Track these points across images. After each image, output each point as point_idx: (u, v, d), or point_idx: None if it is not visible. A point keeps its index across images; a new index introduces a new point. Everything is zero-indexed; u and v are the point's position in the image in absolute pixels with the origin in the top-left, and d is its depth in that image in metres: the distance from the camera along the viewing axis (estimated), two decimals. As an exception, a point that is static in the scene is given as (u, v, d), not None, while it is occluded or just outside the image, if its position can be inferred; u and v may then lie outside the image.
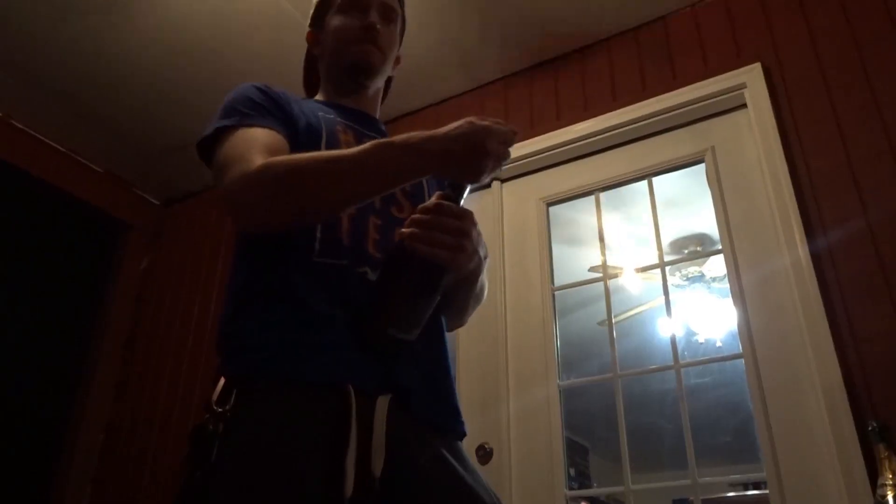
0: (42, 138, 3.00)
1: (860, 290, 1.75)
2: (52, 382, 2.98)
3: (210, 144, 1.05)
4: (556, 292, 2.30)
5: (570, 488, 2.06)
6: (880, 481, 1.50)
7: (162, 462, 2.76)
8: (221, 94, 1.14)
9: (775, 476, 1.74)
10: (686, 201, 2.97)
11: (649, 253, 2.27)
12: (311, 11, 1.34)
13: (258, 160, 0.95)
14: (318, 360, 0.92)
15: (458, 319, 1.22)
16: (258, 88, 1.12)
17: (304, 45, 1.35)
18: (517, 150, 2.41)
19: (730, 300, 2.01)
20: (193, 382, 2.84)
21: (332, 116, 1.17)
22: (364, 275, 1.01)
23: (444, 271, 0.96)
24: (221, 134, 1.04)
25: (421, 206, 1.01)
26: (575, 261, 2.69)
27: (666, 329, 3.33)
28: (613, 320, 2.29)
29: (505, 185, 2.49)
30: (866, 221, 1.80)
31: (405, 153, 0.94)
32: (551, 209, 2.44)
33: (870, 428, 1.57)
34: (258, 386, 0.90)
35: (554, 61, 2.58)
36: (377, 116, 1.31)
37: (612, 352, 2.19)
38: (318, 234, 1.01)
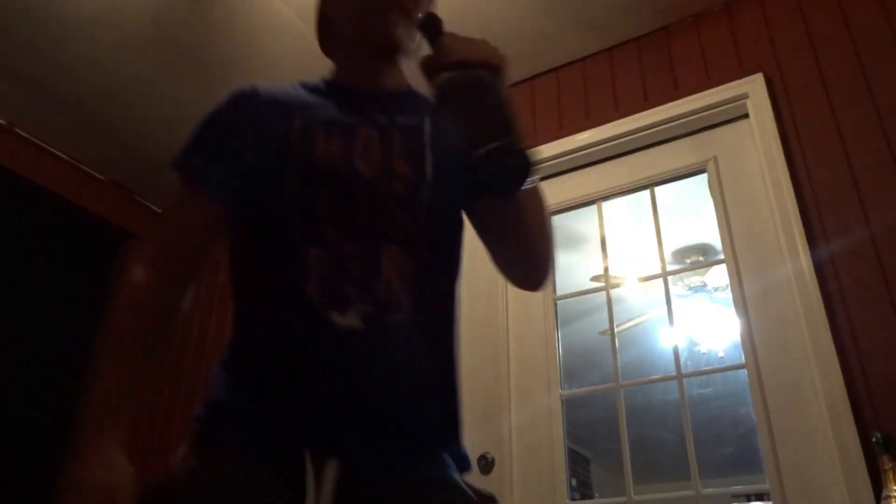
0: (46, 147, 3.01)
1: (863, 300, 1.74)
2: (53, 392, 2.97)
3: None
4: (557, 301, 2.30)
5: (572, 499, 2.05)
6: (884, 493, 1.49)
7: (161, 473, 2.75)
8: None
9: (778, 488, 1.73)
10: (688, 211, 2.96)
11: (651, 262, 2.27)
12: None
13: (142, 268, 0.98)
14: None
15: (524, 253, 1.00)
16: (223, 112, 1.01)
17: (307, 54, 1.26)
18: (519, 159, 2.45)
19: (732, 310, 2.00)
20: (194, 392, 2.84)
21: (324, 112, 0.98)
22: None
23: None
24: (176, 171, 1.01)
25: None
26: (577, 270, 2.69)
27: (668, 339, 3.31)
28: (615, 330, 2.28)
29: (507, 194, 2.48)
30: (869, 231, 1.79)
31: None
32: (553, 218, 2.43)
33: (874, 439, 1.56)
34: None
35: (555, 71, 2.59)
36: (409, 85, 1.08)
37: (614, 362, 2.18)
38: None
